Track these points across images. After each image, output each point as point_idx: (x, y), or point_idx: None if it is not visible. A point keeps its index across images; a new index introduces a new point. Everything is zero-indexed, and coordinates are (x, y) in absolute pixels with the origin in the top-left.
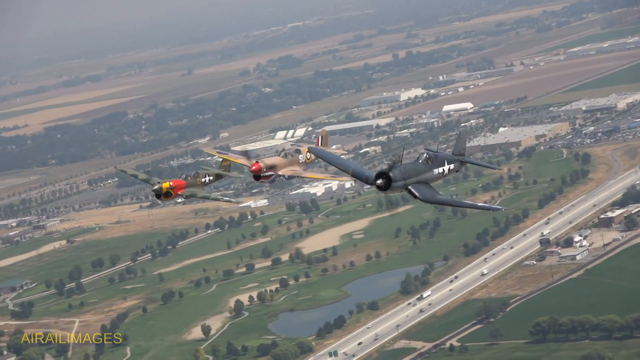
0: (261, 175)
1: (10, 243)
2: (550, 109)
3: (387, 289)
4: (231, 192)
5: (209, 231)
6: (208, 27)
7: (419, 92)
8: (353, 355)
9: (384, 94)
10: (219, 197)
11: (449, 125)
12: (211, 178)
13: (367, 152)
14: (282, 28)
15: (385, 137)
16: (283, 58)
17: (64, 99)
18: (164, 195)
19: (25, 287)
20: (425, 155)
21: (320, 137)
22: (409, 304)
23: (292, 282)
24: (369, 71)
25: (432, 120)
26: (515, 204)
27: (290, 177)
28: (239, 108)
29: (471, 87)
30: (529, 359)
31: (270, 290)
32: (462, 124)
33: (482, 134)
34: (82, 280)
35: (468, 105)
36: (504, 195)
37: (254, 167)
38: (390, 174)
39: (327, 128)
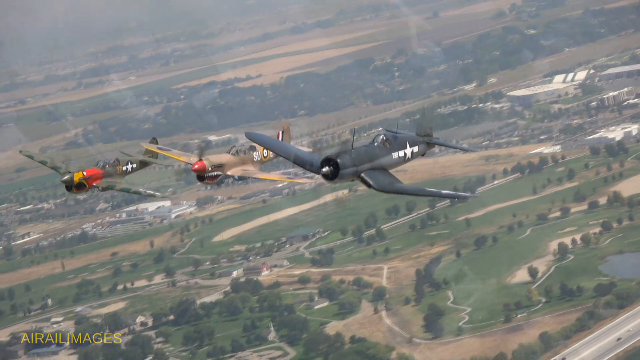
0: (205, 175)
1: (279, 195)
2: None
3: None
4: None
5: (508, 177)
6: None
7: None
8: None
9: None
10: (141, 190)
11: None
12: (134, 166)
13: None
14: None
15: None
16: None
17: (295, 47)
18: (75, 187)
19: (317, 236)
20: (381, 137)
21: (281, 132)
22: None
23: (615, 225)
24: None
25: None
26: None
27: (242, 178)
28: (502, 52)
29: None
30: None
31: (594, 233)
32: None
33: None
34: (381, 227)
35: None
36: None
37: (196, 166)
38: (338, 161)
39: (611, 70)
